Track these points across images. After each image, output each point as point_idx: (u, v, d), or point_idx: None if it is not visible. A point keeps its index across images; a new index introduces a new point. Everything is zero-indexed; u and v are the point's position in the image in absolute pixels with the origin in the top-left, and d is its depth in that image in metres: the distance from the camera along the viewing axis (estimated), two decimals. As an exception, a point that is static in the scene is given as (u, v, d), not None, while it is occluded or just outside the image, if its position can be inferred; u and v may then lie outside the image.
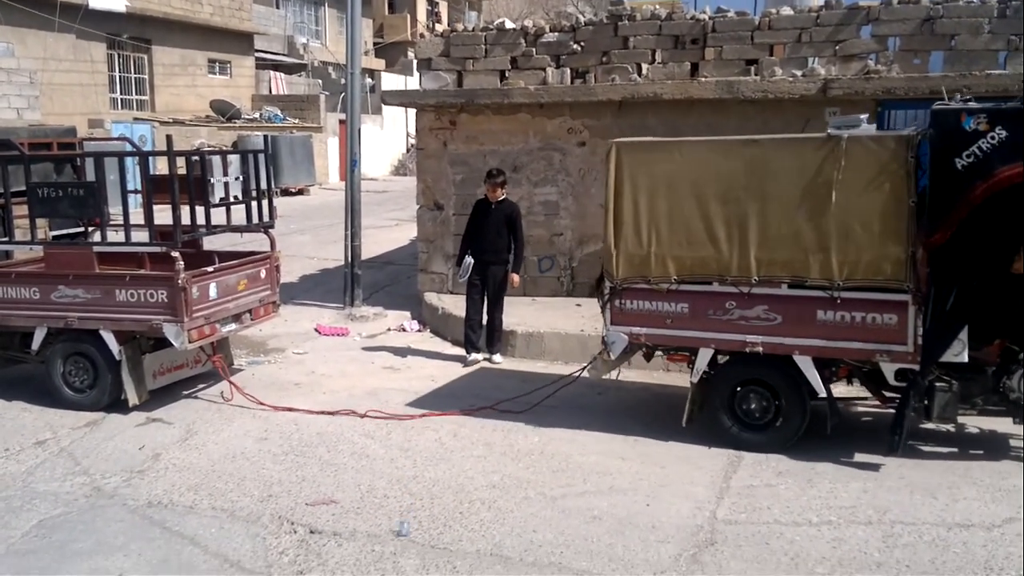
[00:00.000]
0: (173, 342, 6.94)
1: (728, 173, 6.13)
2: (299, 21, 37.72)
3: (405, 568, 4.60)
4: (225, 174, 7.44)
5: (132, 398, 7.11)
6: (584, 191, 10.28)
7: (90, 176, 7.61)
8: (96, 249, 7.36)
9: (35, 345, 7.37)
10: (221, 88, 30.04)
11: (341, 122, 27.74)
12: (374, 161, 32.31)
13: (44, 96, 20.39)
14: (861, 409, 6.98)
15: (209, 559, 4.74)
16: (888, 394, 6.22)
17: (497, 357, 8.80)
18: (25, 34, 22.20)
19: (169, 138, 7.37)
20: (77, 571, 4.64)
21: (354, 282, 11.17)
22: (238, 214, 7.89)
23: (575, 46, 10.10)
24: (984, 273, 5.61)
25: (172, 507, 5.38)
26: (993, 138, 5.41)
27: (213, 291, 7.24)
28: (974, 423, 6.55)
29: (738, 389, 6.30)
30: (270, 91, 33.15)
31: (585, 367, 7.16)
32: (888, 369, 5.90)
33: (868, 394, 6.49)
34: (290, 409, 7.21)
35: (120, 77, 26.91)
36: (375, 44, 39.08)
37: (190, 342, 6.98)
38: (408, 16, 42.74)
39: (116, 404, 7.21)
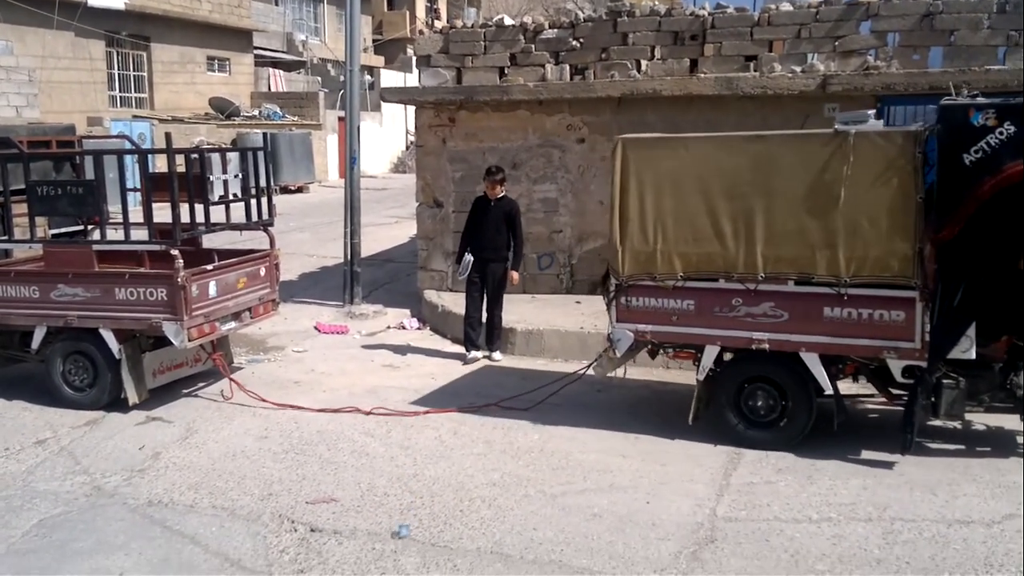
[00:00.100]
0: (173, 340, 6.94)
1: (734, 169, 6.11)
2: (298, 18, 37.69)
3: (406, 566, 4.60)
4: (224, 172, 7.44)
5: (132, 397, 7.11)
6: (583, 188, 10.27)
7: (89, 174, 7.61)
8: (95, 247, 7.36)
9: (35, 344, 7.37)
10: (220, 86, 30.02)
11: (340, 119, 27.70)
12: (373, 158, 32.27)
13: (43, 94, 20.34)
14: (869, 406, 6.95)
15: (210, 558, 4.74)
16: (895, 391, 6.20)
17: (497, 355, 8.80)
18: (24, 32, 22.19)
19: (168, 136, 7.37)
20: (78, 570, 4.65)
21: (353, 280, 11.17)
22: (237, 212, 7.89)
23: (574, 42, 10.08)
24: (992, 269, 5.58)
25: (172, 506, 5.38)
26: (1001, 133, 5.38)
27: (213, 289, 7.24)
28: (981, 420, 6.52)
29: (744, 386, 6.28)
30: (269, 88, 33.14)
31: (590, 365, 7.15)
32: (895, 366, 5.88)
33: (874, 391, 6.46)
34: (293, 407, 7.21)
35: (119, 75, 26.90)
36: (374, 41, 39.04)
37: (190, 340, 6.98)
38: (407, 13, 42.69)
39: (116, 403, 7.21)
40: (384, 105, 32.14)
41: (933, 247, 5.64)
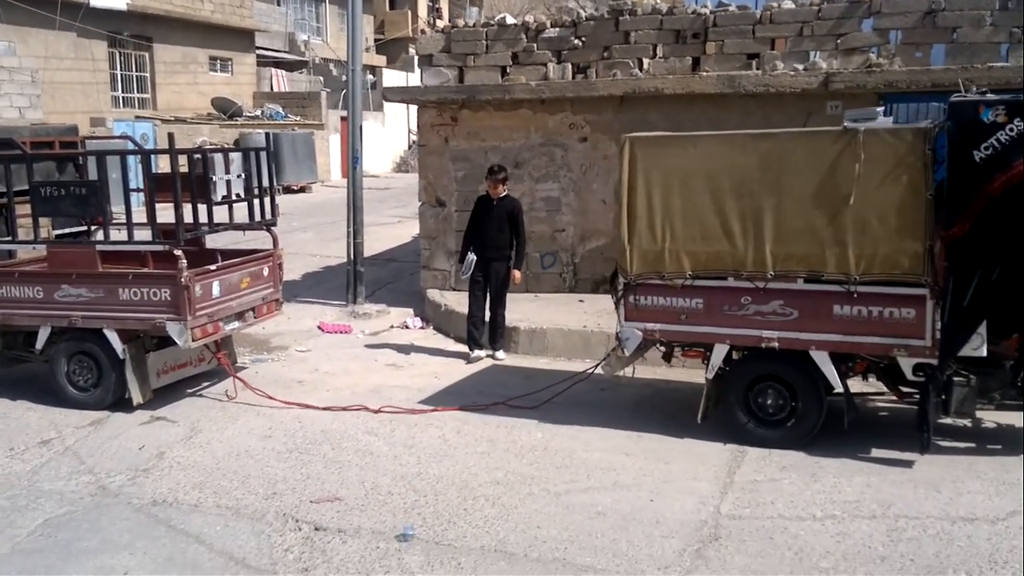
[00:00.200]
0: (177, 340, 6.95)
1: (743, 167, 6.09)
2: (300, 18, 37.69)
3: (410, 565, 4.61)
4: (227, 172, 7.44)
5: (136, 397, 7.12)
6: (586, 187, 10.28)
7: (92, 175, 7.62)
8: (99, 248, 7.36)
9: (39, 344, 7.38)
10: (223, 86, 30.04)
11: (343, 119, 27.71)
12: (376, 158, 32.30)
13: (46, 95, 20.41)
14: (879, 404, 6.93)
15: (214, 557, 4.75)
16: (905, 389, 6.18)
17: (500, 354, 8.80)
18: (27, 33, 22.22)
19: (171, 136, 7.38)
20: (83, 570, 4.66)
21: (357, 279, 11.18)
22: (240, 212, 7.89)
23: (576, 41, 10.08)
24: (1003, 266, 5.55)
25: (177, 505, 5.39)
26: (1012, 130, 5.37)
27: (216, 289, 7.24)
28: (992, 418, 6.49)
29: (754, 385, 6.26)
30: (271, 88, 33.14)
31: (599, 364, 7.14)
32: (906, 364, 5.85)
33: (884, 389, 6.44)
34: (301, 405, 7.22)
35: (121, 75, 26.93)
36: (376, 41, 39.05)
37: (193, 340, 6.99)
38: (409, 12, 42.70)
39: (120, 403, 7.23)
40: (386, 105, 32.19)
41: (943, 244, 5.62)
